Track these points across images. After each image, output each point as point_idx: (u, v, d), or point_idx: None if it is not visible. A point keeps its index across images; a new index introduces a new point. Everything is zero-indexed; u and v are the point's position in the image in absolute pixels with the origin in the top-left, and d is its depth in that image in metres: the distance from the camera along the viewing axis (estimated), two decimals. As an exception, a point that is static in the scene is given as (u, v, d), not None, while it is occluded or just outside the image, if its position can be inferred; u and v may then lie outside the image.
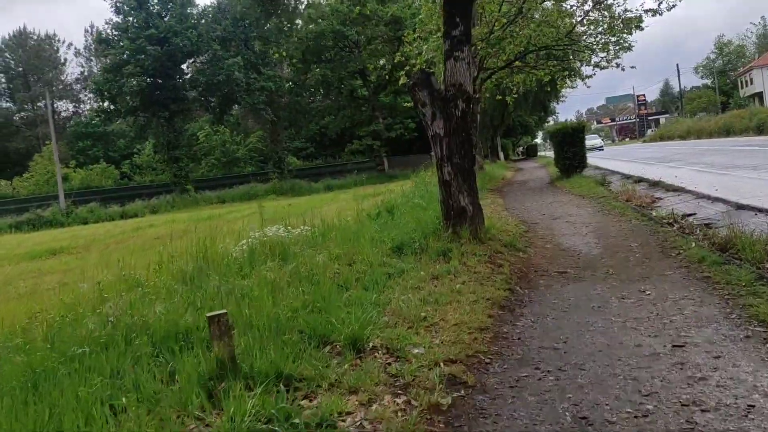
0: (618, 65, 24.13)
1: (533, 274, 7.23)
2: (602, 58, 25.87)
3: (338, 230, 10.02)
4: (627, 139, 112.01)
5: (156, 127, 43.55)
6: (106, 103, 42.69)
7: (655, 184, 16.88)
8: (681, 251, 7.41)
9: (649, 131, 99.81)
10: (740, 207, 10.82)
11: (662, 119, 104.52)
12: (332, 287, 6.14)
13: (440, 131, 8.30)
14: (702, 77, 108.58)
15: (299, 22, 50.98)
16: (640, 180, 18.91)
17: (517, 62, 27.35)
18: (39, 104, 78.47)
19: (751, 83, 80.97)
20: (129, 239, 18.58)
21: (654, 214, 11.86)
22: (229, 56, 42.59)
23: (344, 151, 55.67)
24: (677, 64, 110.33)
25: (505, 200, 17.47)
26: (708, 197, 12.70)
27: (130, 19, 40.74)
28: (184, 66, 45.91)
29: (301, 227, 9.21)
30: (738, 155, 23.15)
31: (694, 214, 11.36)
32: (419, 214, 10.94)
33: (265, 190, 45.23)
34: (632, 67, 24.13)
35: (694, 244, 7.49)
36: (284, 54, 47.12)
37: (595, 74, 28.10)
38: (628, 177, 20.88)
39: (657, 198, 14.54)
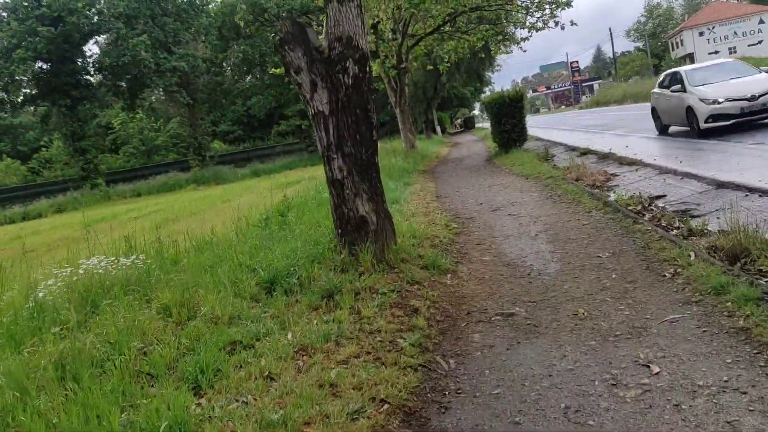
0: (557, 23, 21.93)
1: (464, 319, 4.70)
2: (538, 18, 23.71)
3: (201, 250, 7.34)
4: (563, 107, 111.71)
5: (57, 117, 39.31)
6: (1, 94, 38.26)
7: (606, 157, 14.70)
8: (677, 266, 5.02)
9: (583, 98, 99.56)
10: (721, 185, 8.60)
11: (596, 85, 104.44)
12: (117, 389, 3.53)
13: (323, 108, 5.67)
14: (634, 41, 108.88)
15: (213, -6, 47.25)
16: (587, 152, 16.73)
17: (446, 27, 25.00)
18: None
19: (682, 45, 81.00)
20: (-11, 255, 15.35)
21: (614, 197, 9.57)
22: (134, 35, 38.60)
23: (271, 133, 52.47)
24: (609, 28, 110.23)
25: (437, 185, 14.99)
26: (674, 172, 10.52)
27: (20, -3, 36.40)
28: (85, 48, 41.57)
29: (136, 256, 6.46)
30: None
31: (664, 195, 9.11)
32: (321, 217, 8.37)
33: (186, 179, 41.74)
34: (573, 24, 22.01)
35: (693, 256, 5.11)
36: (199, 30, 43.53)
37: (531, 36, 25.96)
38: (573, 149, 18.71)
39: (612, 174, 12.33)
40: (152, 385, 3.82)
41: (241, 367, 3.87)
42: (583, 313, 4.42)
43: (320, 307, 4.75)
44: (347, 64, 5.64)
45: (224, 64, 51.70)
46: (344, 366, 3.70)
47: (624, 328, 4.06)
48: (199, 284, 5.54)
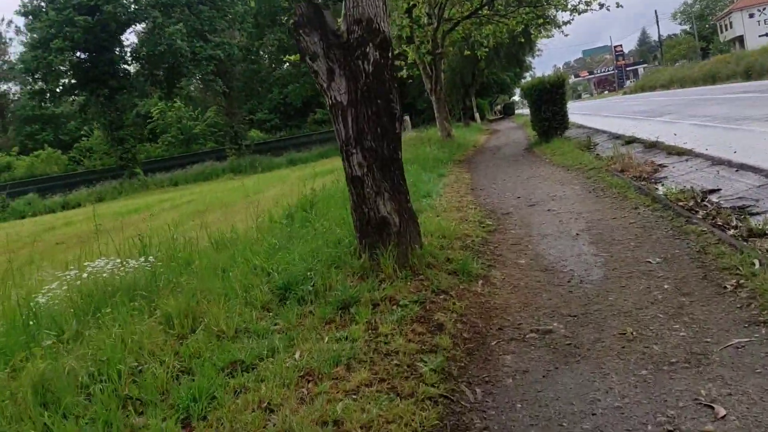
0: (601, 5, 20.95)
1: (494, 336, 4.17)
2: (580, 0, 22.73)
3: (219, 250, 6.95)
4: (606, 92, 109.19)
5: (96, 106, 39.61)
6: (39, 84, 38.65)
7: (653, 146, 13.90)
8: (739, 276, 4.39)
9: (628, 82, 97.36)
10: (783, 178, 7.87)
11: (641, 69, 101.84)
12: (99, 419, 3.12)
13: (341, 98, 5.16)
14: (680, 23, 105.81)
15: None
16: (632, 140, 15.91)
17: (484, 10, 24.20)
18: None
19: (731, 27, 78.26)
20: (22, 249, 15.29)
21: (663, 191, 8.86)
22: (170, 24, 38.59)
23: (307, 121, 52.23)
24: (655, 11, 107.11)
25: (473, 176, 14.36)
26: (728, 162, 9.76)
27: (58, -14, 36.64)
28: (122, 37, 41.78)
29: (145, 257, 6.06)
30: (739, 104, 20.18)
31: (719, 190, 8.38)
32: (346, 213, 7.89)
33: (222, 168, 41.80)
34: (619, 5, 21.01)
35: (758, 264, 4.47)
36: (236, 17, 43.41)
37: (573, 19, 24.95)
38: (617, 137, 17.86)
39: (659, 165, 11.57)
40: (141, 413, 3.40)
41: (239, 393, 3.41)
42: (632, 333, 3.83)
43: (334, 321, 4.26)
44: (367, 50, 5.11)
45: (260, 52, 51.63)
46: (353, 397, 3.21)
47: (680, 354, 3.47)
48: (210, 290, 5.12)
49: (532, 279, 5.39)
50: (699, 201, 7.74)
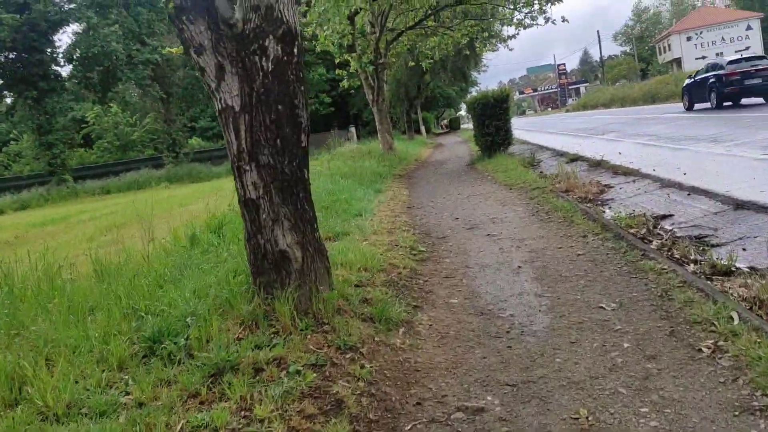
0: (547, 19, 20.49)
1: (410, 415, 3.12)
2: (526, 14, 22.27)
3: (102, 279, 5.80)
4: (549, 109, 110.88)
5: (23, 109, 37.29)
6: (-39, 83, 36.20)
7: (598, 165, 13.30)
8: (715, 334, 3.54)
9: (570, 100, 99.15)
10: (740, 205, 7.19)
11: (582, 88, 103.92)
12: None
13: (233, 101, 4.13)
14: (621, 44, 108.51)
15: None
16: (576, 158, 15.34)
17: (429, 21, 23.52)
18: None
19: (669, 49, 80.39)
20: None
21: (611, 215, 8.13)
22: (105, 25, 36.72)
23: (249, 130, 50.63)
24: (597, 31, 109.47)
25: (411, 192, 13.47)
26: (678, 185, 9.14)
27: (-17, -18, 34.40)
28: (55, 38, 39.63)
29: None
30: (682, 124, 19.97)
31: (671, 215, 7.69)
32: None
33: (158, 177, 39.93)
34: (564, 20, 20.56)
35: (737, 318, 3.64)
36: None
37: (518, 34, 24.57)
38: (561, 154, 17.30)
39: (606, 186, 10.93)
40: None
41: None
42: (587, 418, 2.91)
43: (199, 395, 3.20)
44: (266, 43, 4.11)
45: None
46: None
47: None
48: (59, 340, 4.00)
49: (464, 326, 4.45)
50: (651, 228, 7.00)
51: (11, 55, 36.31)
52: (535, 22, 22.33)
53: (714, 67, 24.52)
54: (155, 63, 39.23)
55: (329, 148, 24.54)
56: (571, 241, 6.57)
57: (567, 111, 74.59)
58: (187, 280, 5.18)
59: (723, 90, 22.75)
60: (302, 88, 4.26)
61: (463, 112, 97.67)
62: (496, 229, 7.92)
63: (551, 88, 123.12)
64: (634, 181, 10.66)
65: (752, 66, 22.39)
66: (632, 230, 6.97)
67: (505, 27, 27.84)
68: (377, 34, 19.70)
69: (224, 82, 4.16)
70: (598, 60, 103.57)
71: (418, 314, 4.74)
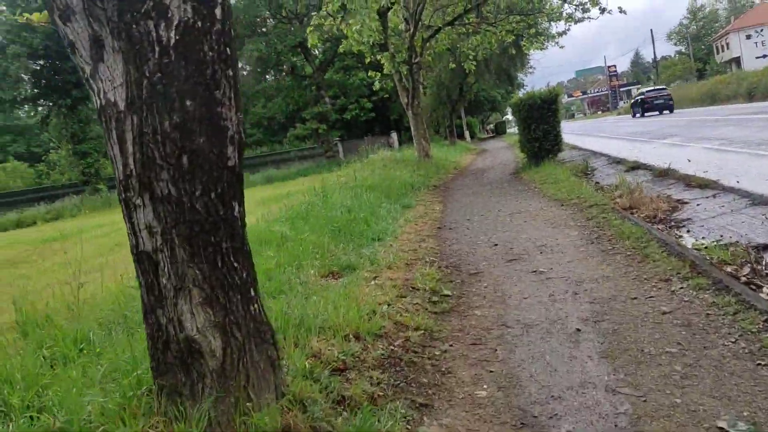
0: (603, 10, 18.44)
1: None
2: (576, 6, 20.29)
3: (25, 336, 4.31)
4: (599, 112, 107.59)
5: (57, 118, 36.83)
6: (-1, 93, 35.92)
7: (664, 174, 11.39)
8: None
9: (621, 103, 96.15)
10: None
11: (634, 90, 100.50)
12: None
13: (116, 95, 2.55)
14: (675, 44, 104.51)
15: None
16: (636, 166, 13.42)
17: (470, 17, 21.74)
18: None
19: (728, 48, 76.80)
20: None
21: (693, 242, 6.32)
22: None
23: (286, 137, 49.74)
24: (651, 30, 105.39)
25: (445, 208, 11.73)
26: (775, 202, 7.31)
27: (18, -11, 34.03)
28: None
29: None
30: (755, 126, 17.73)
31: (776, 245, 5.86)
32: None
33: (193, 185, 39.03)
34: (622, 11, 18.47)
35: None
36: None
37: (569, 30, 22.57)
38: (618, 161, 15.35)
39: (678, 201, 9.07)
40: None
41: None
42: None
43: None
44: (168, 11, 2.51)
45: (240, 63, 49.09)
46: None
47: None
48: None
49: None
50: (755, 264, 5.16)
51: (45, 63, 35.88)
52: (586, 15, 20.38)
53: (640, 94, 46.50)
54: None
55: (361, 155, 22.99)
56: (648, 288, 4.77)
57: (619, 114, 71.82)
58: (94, 364, 3.60)
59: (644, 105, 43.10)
60: (231, 73, 2.65)
61: (509, 116, 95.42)
62: (544, 263, 6.15)
63: (601, 91, 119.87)
64: (714, 196, 8.78)
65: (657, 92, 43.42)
66: (728, 268, 5.15)
67: (553, 23, 25.93)
68: (411, 31, 18.02)
69: (103, 64, 2.57)
70: (651, 61, 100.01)
71: (424, 422, 3.05)
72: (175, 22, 2.52)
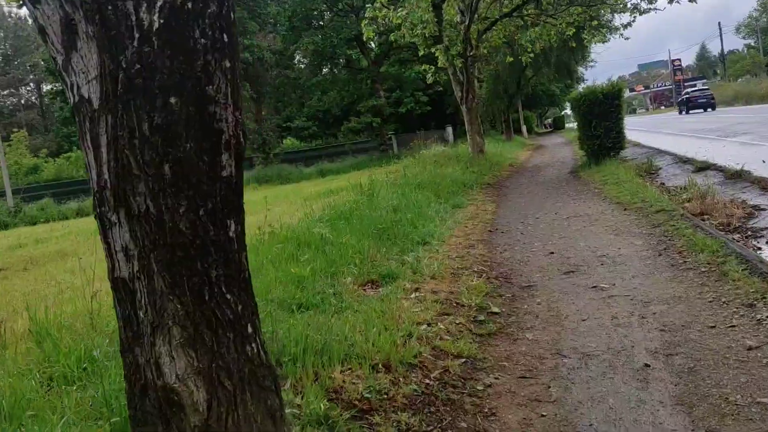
0: (671, 0, 17.32)
1: None
2: (643, -2, 19.21)
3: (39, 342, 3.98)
4: (662, 107, 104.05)
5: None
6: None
7: (737, 176, 10.51)
8: None
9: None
10: None
11: (699, 85, 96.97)
12: None
13: (90, 90, 2.12)
14: (744, 37, 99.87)
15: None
16: (705, 166, 12.49)
17: (528, 8, 20.88)
18: (26, 88, 73.57)
19: (803, 41, 72.89)
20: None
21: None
22: (197, 24, 36.20)
23: (340, 130, 49.59)
24: (719, 23, 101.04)
25: (498, 208, 11.10)
26: None
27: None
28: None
29: None
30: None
31: None
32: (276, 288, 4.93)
33: (247, 178, 39.20)
34: (692, 1, 17.35)
35: None
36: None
37: (634, 21, 21.50)
38: (685, 161, 14.38)
39: (754, 208, 8.28)
40: None
41: None
42: None
43: None
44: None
45: (296, 56, 49.08)
46: None
47: None
48: None
49: None
50: None
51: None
52: (653, 6, 19.30)
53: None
54: (246, 62, 38.45)
55: (413, 150, 22.45)
56: (728, 314, 4.12)
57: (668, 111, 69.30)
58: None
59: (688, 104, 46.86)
60: (228, 64, 2.18)
61: (568, 111, 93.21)
62: (606, 277, 5.52)
63: (664, 85, 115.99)
64: (798, 203, 7.97)
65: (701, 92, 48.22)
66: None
67: (618, 15, 24.76)
68: (467, 23, 17.35)
69: (76, 53, 2.14)
70: (718, 54, 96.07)
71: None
72: (159, 3, 2.06)
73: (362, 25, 17.64)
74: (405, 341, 3.79)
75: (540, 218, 9.37)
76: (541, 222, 9.03)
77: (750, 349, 3.50)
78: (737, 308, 4.19)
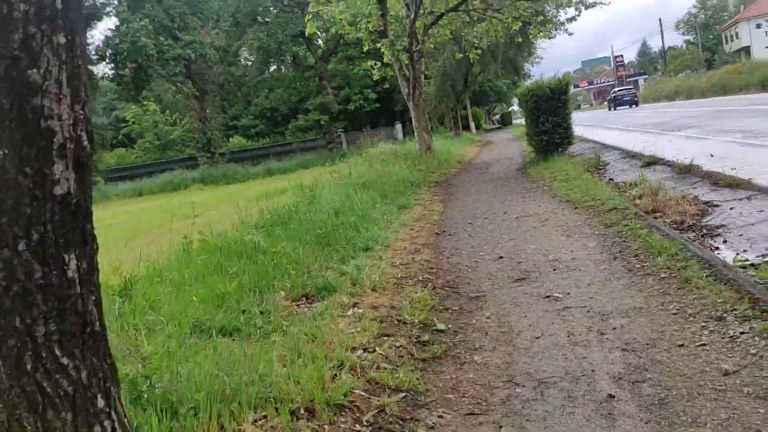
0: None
1: None
2: (588, -13, 19.09)
3: None
4: (605, 102, 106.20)
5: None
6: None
7: (686, 171, 10.30)
8: None
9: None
10: None
11: (641, 80, 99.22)
12: None
13: None
14: (683, 33, 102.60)
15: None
16: (653, 161, 12.31)
17: (474, 2, 20.58)
18: None
19: (737, 37, 75.23)
20: None
21: (733, 258, 5.30)
22: (134, 20, 34.91)
23: (288, 128, 48.72)
24: (659, 19, 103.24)
25: (445, 208, 10.66)
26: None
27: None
28: (88, 34, 37.98)
29: None
30: (778, 117, 16.62)
31: (844, 266, 4.83)
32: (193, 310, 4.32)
33: (192, 178, 38.08)
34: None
35: None
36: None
37: (579, 15, 21.43)
38: (632, 156, 14.24)
39: (707, 204, 8.02)
40: None
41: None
42: None
43: None
44: None
45: (240, 53, 47.96)
46: None
47: None
48: None
49: None
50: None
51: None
52: (598, 0, 19.22)
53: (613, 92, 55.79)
54: (188, 59, 37.23)
55: (361, 148, 21.93)
56: (697, 329, 3.71)
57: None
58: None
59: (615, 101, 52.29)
60: (63, 40, 1.60)
61: (515, 107, 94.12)
62: (559, 285, 5.09)
63: (607, 81, 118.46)
64: (749, 198, 7.74)
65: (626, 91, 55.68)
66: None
67: (562, 10, 24.71)
68: (412, 16, 16.89)
69: None
70: (658, 51, 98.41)
71: None
72: None
73: (306, 20, 17.01)
74: (335, 374, 3.25)
75: (489, 218, 8.96)
76: (490, 223, 8.61)
77: (727, 374, 3.08)
78: (705, 322, 3.79)
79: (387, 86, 38.53)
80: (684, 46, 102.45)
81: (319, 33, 44.90)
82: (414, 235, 7.98)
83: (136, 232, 13.15)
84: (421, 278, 5.70)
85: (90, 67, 37.51)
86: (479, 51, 22.41)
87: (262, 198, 14.71)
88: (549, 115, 14.55)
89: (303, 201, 9.49)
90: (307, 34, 17.44)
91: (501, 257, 6.42)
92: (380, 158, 16.31)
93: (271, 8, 43.43)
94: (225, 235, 7.22)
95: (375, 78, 18.82)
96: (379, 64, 18.87)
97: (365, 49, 18.36)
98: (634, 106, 53.52)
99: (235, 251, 6.46)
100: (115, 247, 10.24)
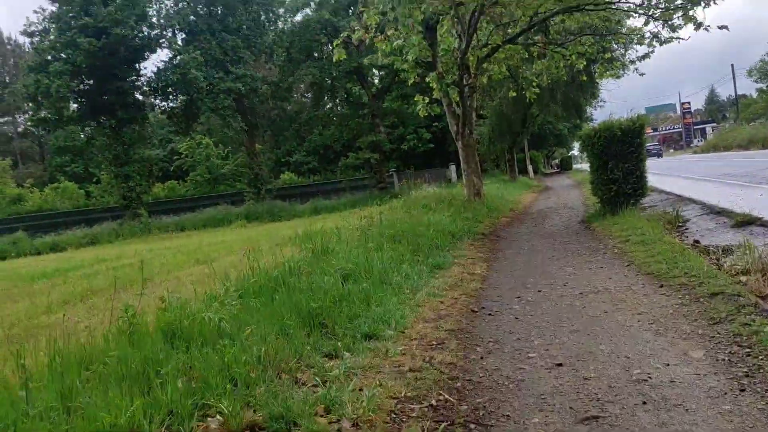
0: (699, 26, 14.90)
1: None
2: (664, 23, 16.92)
3: None
4: (671, 150, 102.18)
5: (101, 138, 35.39)
6: (43, 111, 34.68)
7: (799, 237, 8.08)
8: None
9: (696, 141, 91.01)
10: None
11: (708, 128, 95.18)
12: None
13: None
14: (756, 81, 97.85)
15: (282, 11, 42.92)
16: (749, 220, 10.02)
17: (534, 36, 18.70)
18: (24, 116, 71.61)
19: (818, 85, 71.03)
20: None
21: None
22: (187, 52, 34.36)
23: (338, 166, 47.64)
24: (732, 65, 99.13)
25: (489, 271, 8.64)
26: None
27: (66, 6, 32.70)
28: (142, 65, 37.84)
29: None
30: None
31: None
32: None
33: (236, 214, 37.01)
34: (723, 27, 14.94)
35: None
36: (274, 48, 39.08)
37: (652, 52, 19.25)
38: (718, 212, 11.91)
39: None
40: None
41: None
42: None
43: None
44: None
45: (294, 88, 47.24)
46: None
47: None
48: None
49: None
50: None
51: (90, 83, 34.55)
52: (675, 35, 16.97)
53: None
54: (238, 92, 36.43)
55: (403, 190, 20.10)
56: None
57: (695, 152, 67.35)
58: None
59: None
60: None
61: (575, 151, 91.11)
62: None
63: (673, 128, 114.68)
64: None
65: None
66: None
67: (633, 46, 22.60)
68: (464, 47, 15.11)
69: None
70: (727, 98, 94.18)
71: None
72: None
73: (334, 46, 15.50)
74: None
75: (543, 291, 6.91)
76: (545, 298, 6.56)
77: None
78: None
79: (442, 125, 36.93)
80: (755, 94, 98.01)
81: (375, 71, 44.01)
82: (442, 314, 6.01)
83: (177, 266, 11.67)
84: (434, 403, 3.73)
85: (139, 96, 37.18)
86: (538, 89, 20.44)
87: (286, 242, 12.96)
88: (619, 161, 12.40)
89: (306, 258, 7.65)
90: (334, 60, 15.89)
91: (560, 365, 4.39)
92: (421, 203, 14.41)
93: (326, 44, 42.66)
94: (187, 306, 5.40)
95: (421, 114, 16.99)
96: (427, 99, 17.08)
97: (410, 83, 16.64)
98: (658, 157, 63.70)
99: (184, 336, 4.64)
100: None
